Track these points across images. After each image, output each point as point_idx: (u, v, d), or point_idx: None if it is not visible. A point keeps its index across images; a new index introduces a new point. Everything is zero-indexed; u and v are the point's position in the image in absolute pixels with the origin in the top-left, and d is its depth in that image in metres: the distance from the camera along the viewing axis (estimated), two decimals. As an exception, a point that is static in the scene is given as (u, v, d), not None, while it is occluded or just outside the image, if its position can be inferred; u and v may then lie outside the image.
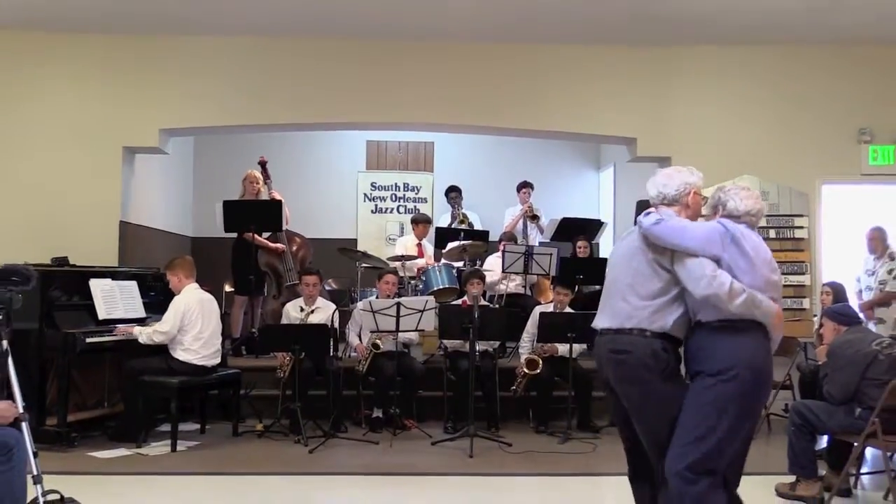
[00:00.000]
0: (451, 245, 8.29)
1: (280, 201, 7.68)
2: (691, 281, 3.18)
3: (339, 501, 4.85)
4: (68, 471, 4.98)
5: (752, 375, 3.17)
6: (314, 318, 6.62)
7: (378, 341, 6.49)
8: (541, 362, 6.46)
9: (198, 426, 6.48)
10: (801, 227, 7.81)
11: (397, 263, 7.99)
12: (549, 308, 6.92)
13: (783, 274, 7.64)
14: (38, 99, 7.70)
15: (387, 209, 10.93)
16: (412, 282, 8.05)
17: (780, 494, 4.82)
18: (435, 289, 7.62)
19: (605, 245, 9.76)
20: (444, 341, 6.83)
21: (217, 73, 7.83)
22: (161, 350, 6.03)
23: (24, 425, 3.48)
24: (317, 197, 10.39)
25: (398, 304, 6.21)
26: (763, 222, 7.67)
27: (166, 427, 6.05)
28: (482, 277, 7.18)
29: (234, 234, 7.70)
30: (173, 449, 5.79)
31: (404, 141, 10.89)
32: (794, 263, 7.76)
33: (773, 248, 7.61)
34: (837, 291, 6.81)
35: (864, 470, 5.30)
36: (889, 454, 4.67)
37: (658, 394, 3.26)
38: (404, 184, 10.95)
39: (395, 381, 6.45)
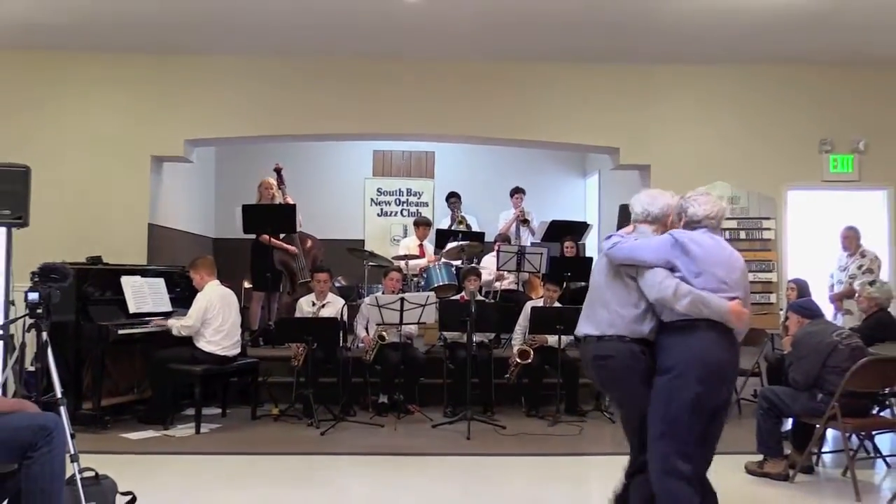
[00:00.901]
0: (450, 245, 8.28)
1: (294, 205, 7.68)
2: (646, 288, 3.26)
3: (348, 479, 4.85)
4: (102, 450, 4.97)
5: (699, 371, 3.14)
6: (325, 312, 6.62)
7: (384, 333, 6.48)
8: (532, 352, 6.46)
9: (219, 410, 6.49)
10: (769, 229, 7.81)
11: (401, 262, 7.98)
12: (540, 303, 6.92)
13: (752, 271, 7.70)
14: (76, 113, 7.70)
15: (391, 213, 10.92)
16: (415, 279, 8.04)
17: (749, 472, 4.84)
18: (435, 285, 7.61)
19: (591, 245, 9.76)
20: (444, 333, 6.83)
21: (237, 89, 7.83)
22: (186, 341, 6.03)
23: (63, 409, 3.48)
24: (327, 201, 10.39)
25: (402, 299, 6.21)
26: (734, 224, 7.73)
27: (191, 411, 6.07)
28: (479, 275, 7.19)
29: (253, 236, 7.70)
30: (197, 431, 5.80)
31: (407, 150, 10.89)
32: (762, 262, 7.77)
33: (743, 248, 7.74)
34: (801, 287, 6.83)
35: (825, 449, 5.31)
36: (847, 435, 4.69)
37: (636, 392, 3.28)
38: (407, 189, 10.94)
39: (400, 369, 6.47)
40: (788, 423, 5.19)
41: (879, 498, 4.46)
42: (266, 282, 7.56)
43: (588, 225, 8.95)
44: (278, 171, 8.04)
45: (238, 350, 6.30)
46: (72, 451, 3.40)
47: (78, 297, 5.84)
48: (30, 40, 7.35)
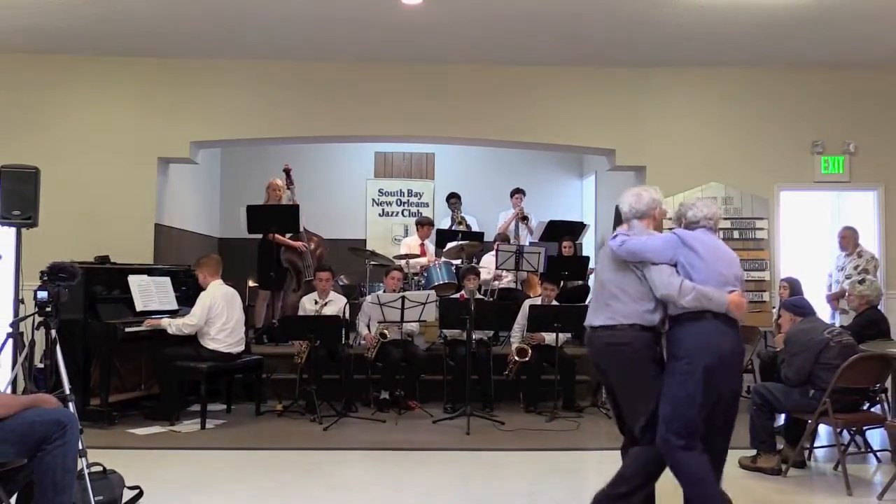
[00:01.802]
0: (450, 245, 8.29)
1: (297, 206, 7.67)
2: (652, 284, 3.42)
3: (351, 473, 4.85)
4: (110, 445, 4.99)
5: (708, 358, 3.32)
6: (327, 311, 6.62)
7: (385, 331, 6.49)
8: (530, 350, 6.47)
9: (224, 406, 6.49)
10: (762, 229, 7.80)
11: (402, 261, 7.99)
12: (538, 301, 6.93)
13: (746, 270, 7.69)
14: (85, 115, 7.69)
15: (393, 213, 10.92)
16: (415, 278, 8.05)
17: (742, 466, 4.84)
18: (436, 284, 7.61)
19: (588, 245, 9.76)
20: (444, 331, 6.83)
21: (242, 92, 7.83)
22: (192, 339, 6.03)
23: (71, 405, 3.49)
24: (330, 201, 10.38)
25: (403, 297, 6.22)
26: (727, 224, 7.73)
27: (196, 407, 6.06)
28: (478, 274, 7.20)
29: (258, 235, 7.70)
30: (202, 427, 5.81)
31: (408, 152, 10.88)
32: (755, 261, 7.76)
33: (737, 247, 7.73)
34: (793, 285, 6.84)
35: (817, 444, 5.31)
36: (839, 430, 4.70)
37: (645, 378, 3.42)
38: (408, 190, 10.94)
39: (401, 366, 6.47)
40: (781, 419, 5.19)
41: (870, 492, 4.46)
42: (270, 281, 7.56)
43: (585, 225, 8.95)
44: (287, 171, 8.05)
45: (242, 347, 6.30)
46: (80, 447, 3.39)
47: (86, 296, 5.85)
48: (39, 44, 7.35)
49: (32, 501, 2.99)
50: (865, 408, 5.04)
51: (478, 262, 8.21)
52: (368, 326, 6.75)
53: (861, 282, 6.04)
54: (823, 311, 7.10)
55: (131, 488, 3.94)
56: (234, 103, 7.81)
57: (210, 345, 5.99)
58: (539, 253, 7.64)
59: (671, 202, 6.57)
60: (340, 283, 8.27)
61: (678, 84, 7.97)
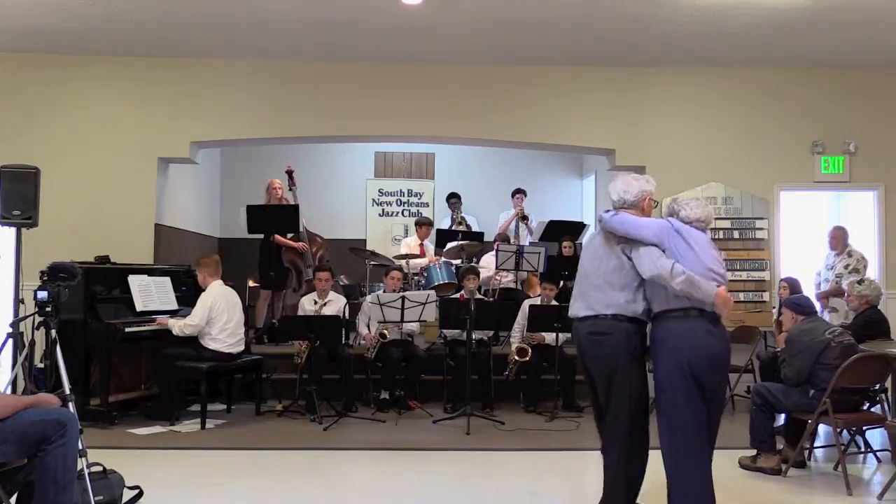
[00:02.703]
0: (450, 245, 8.28)
1: (296, 206, 7.67)
2: (641, 264, 3.35)
3: (351, 473, 4.85)
4: (110, 445, 4.99)
5: (692, 353, 3.28)
6: (326, 311, 6.61)
7: (385, 331, 6.48)
8: (530, 350, 6.46)
9: (224, 406, 6.49)
10: (762, 229, 7.81)
11: (402, 261, 7.99)
12: (538, 301, 6.92)
13: (745, 270, 7.71)
14: (85, 115, 7.69)
15: (393, 213, 10.92)
16: (415, 278, 8.05)
17: (742, 466, 4.84)
18: (436, 284, 7.61)
19: (588, 245, 9.76)
20: (444, 331, 6.83)
21: (242, 92, 7.83)
22: (192, 339, 6.03)
23: (71, 405, 3.49)
24: (330, 201, 10.39)
25: (403, 297, 6.21)
26: (728, 224, 7.74)
27: (196, 407, 6.06)
28: (478, 274, 7.19)
29: (259, 235, 7.70)
30: (202, 426, 5.80)
31: (408, 152, 10.89)
32: (755, 261, 7.76)
33: (736, 247, 7.76)
34: (793, 285, 6.85)
35: (817, 444, 5.31)
36: (839, 430, 4.69)
37: (627, 369, 3.38)
38: (408, 190, 10.94)
39: (401, 366, 6.47)
40: (781, 419, 5.19)
41: (870, 492, 4.46)
42: (271, 280, 7.56)
43: (585, 225, 8.94)
44: (290, 173, 8.05)
45: (242, 347, 6.30)
46: (80, 447, 3.39)
47: (86, 296, 5.85)
48: (39, 43, 7.35)
49: (32, 501, 2.99)
50: (865, 408, 5.05)
51: (478, 262, 8.20)
52: (368, 326, 6.75)
53: (860, 282, 6.04)
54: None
55: (131, 488, 3.94)
56: (233, 103, 7.81)
57: (210, 345, 5.99)
58: (539, 253, 7.63)
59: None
60: (340, 283, 8.26)
61: (678, 84, 7.97)
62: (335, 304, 6.70)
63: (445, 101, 7.87)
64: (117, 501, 3.79)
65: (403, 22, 6.66)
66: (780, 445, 4.89)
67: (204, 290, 6.14)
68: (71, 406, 3.48)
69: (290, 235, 7.84)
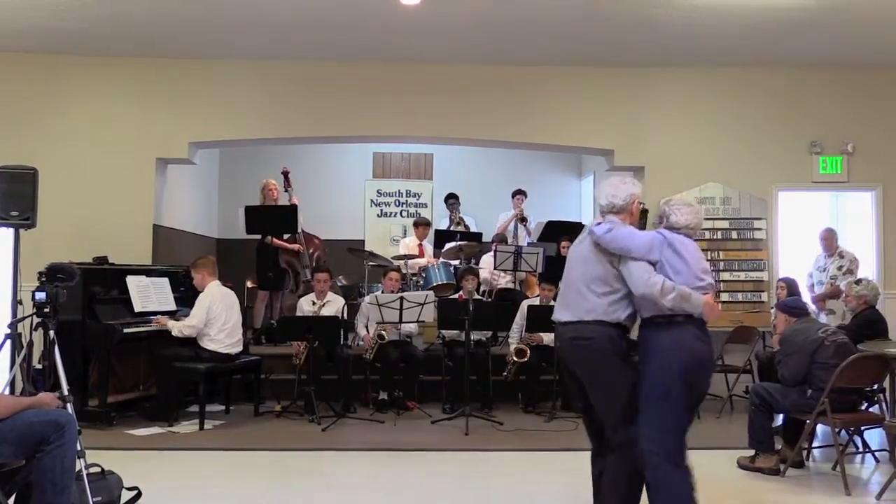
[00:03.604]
0: (448, 245, 8.29)
1: (295, 206, 7.68)
2: (632, 281, 3.33)
3: (349, 474, 4.84)
4: (108, 446, 4.98)
5: (683, 362, 3.27)
6: (325, 311, 6.61)
7: (383, 332, 6.48)
8: (528, 350, 6.47)
9: (223, 407, 6.49)
10: (760, 229, 7.82)
11: (400, 262, 7.99)
12: (536, 301, 6.92)
13: (744, 270, 7.73)
14: (83, 116, 7.69)
15: (391, 213, 10.92)
16: (414, 278, 8.05)
17: (741, 466, 4.84)
18: (434, 284, 7.61)
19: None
20: (443, 331, 6.83)
21: (240, 93, 7.83)
22: (191, 340, 6.03)
23: (70, 406, 3.49)
24: (329, 202, 10.39)
25: (401, 298, 6.21)
26: (726, 224, 7.75)
27: (195, 408, 6.07)
28: (476, 274, 7.20)
29: (258, 237, 7.70)
30: (201, 427, 5.80)
31: (407, 152, 10.89)
32: (753, 261, 7.77)
33: (735, 247, 7.78)
34: (791, 286, 6.85)
35: (815, 444, 5.32)
36: (837, 430, 4.70)
37: (612, 373, 3.37)
38: (407, 191, 10.94)
39: (399, 366, 6.48)
40: (779, 419, 5.20)
41: (868, 491, 4.47)
42: (269, 281, 7.56)
43: (584, 225, 8.89)
44: (285, 174, 8.05)
45: (241, 348, 6.30)
46: (78, 448, 3.40)
47: (84, 297, 5.84)
48: (36, 44, 7.35)
49: (31, 502, 2.99)
50: (863, 408, 5.06)
51: (476, 263, 8.21)
52: (367, 327, 6.75)
53: (858, 282, 6.06)
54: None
55: (130, 489, 3.94)
56: (232, 103, 7.82)
57: (209, 345, 5.99)
58: (537, 253, 7.63)
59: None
60: (339, 284, 8.27)
61: (677, 84, 7.98)
62: (334, 305, 6.71)
63: (444, 101, 7.88)
64: (116, 502, 3.79)
65: (402, 22, 6.66)
66: (778, 445, 4.90)
67: (200, 292, 6.14)
68: (69, 407, 3.48)
69: (286, 237, 7.84)
